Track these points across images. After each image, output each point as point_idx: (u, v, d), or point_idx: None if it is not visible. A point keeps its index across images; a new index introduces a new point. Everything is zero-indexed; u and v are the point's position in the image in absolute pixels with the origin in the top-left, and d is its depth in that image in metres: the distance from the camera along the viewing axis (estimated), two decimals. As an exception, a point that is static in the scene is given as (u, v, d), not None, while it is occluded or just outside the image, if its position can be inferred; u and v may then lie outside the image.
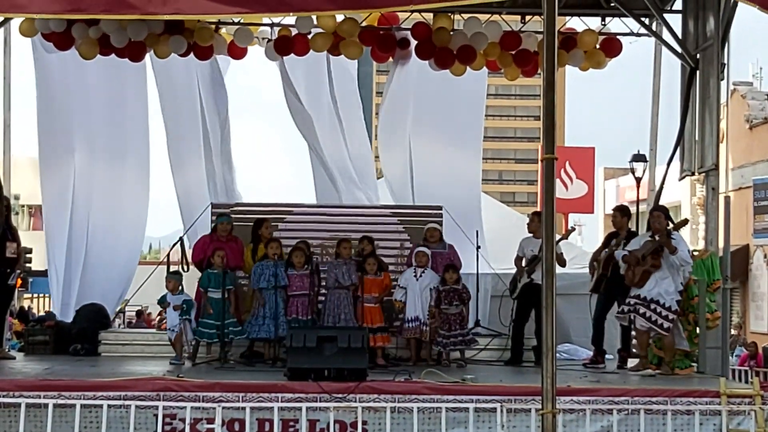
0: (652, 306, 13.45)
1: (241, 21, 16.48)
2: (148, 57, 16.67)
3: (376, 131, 18.70)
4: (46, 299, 38.36)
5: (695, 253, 14.29)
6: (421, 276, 14.62)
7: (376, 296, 14.50)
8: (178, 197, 17.85)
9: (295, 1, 11.89)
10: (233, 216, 15.69)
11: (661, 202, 15.74)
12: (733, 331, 23.46)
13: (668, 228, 13.67)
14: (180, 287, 14.45)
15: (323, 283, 14.63)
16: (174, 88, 17.75)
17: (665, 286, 13.47)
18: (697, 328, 13.86)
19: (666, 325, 13.43)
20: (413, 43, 16.58)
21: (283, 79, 17.43)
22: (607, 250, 14.40)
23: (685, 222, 14.45)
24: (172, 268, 15.28)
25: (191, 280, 15.00)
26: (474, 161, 18.15)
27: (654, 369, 13.67)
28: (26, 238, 27.13)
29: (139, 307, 30.30)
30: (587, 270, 14.96)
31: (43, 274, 18.06)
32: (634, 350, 15.27)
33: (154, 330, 20.99)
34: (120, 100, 17.42)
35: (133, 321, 31.17)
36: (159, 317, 25.14)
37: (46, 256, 17.30)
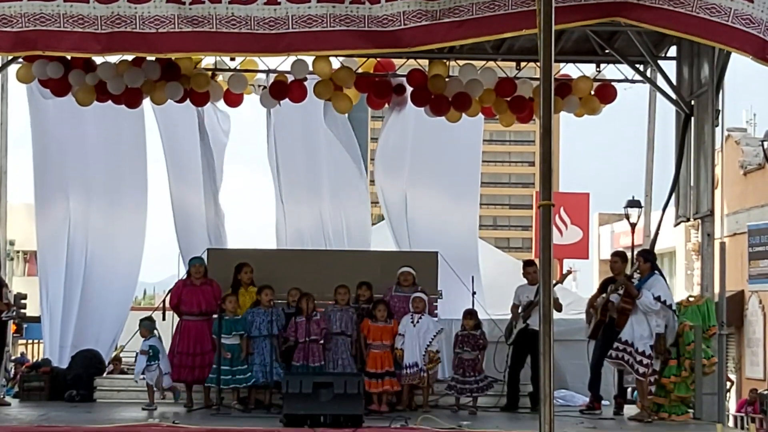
0: (629, 350, 13.51)
1: (238, 67, 16.55)
2: (147, 101, 16.63)
3: (371, 176, 18.71)
4: (41, 345, 38.27)
5: (690, 299, 14.31)
6: (418, 322, 14.47)
7: (388, 344, 14.24)
8: (179, 241, 17.62)
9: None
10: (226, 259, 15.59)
11: (656, 248, 15.78)
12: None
13: (626, 273, 13.86)
14: (150, 333, 14.37)
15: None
16: (176, 128, 17.66)
17: (640, 330, 13.49)
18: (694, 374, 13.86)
19: (641, 370, 13.42)
20: (409, 89, 16.63)
21: (269, 134, 17.60)
22: (603, 295, 14.39)
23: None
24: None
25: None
26: (471, 207, 18.20)
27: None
28: (21, 284, 27.05)
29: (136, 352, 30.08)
30: (583, 315, 14.95)
31: (38, 320, 17.98)
32: (629, 397, 15.24)
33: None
34: (116, 145, 17.41)
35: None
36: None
37: (39, 302, 17.24)
